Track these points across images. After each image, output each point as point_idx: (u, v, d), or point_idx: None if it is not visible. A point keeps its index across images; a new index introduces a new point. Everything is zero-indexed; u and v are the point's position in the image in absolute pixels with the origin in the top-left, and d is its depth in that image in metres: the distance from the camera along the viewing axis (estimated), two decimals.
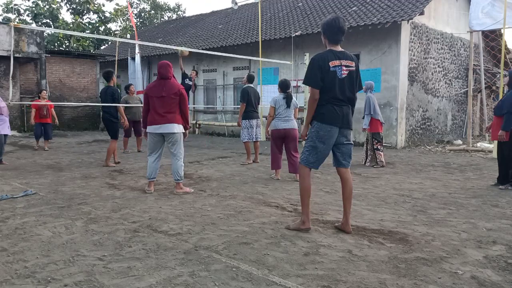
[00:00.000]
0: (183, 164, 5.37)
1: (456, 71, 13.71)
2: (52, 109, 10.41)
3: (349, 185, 3.69)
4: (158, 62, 5.56)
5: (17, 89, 15.00)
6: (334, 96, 3.54)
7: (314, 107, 3.60)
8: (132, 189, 5.54)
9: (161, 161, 5.54)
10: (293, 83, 11.19)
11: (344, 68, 3.55)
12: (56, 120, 10.49)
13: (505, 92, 6.05)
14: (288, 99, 6.28)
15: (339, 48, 3.65)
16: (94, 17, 31.95)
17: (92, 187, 5.65)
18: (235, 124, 12.65)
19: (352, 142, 3.77)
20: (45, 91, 10.54)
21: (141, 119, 9.87)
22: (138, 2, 35.80)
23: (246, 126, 7.94)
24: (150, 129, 5.25)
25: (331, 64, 3.52)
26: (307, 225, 3.69)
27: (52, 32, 29.01)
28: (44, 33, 18.93)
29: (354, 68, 3.62)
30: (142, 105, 7.41)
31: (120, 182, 6.04)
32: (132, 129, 9.79)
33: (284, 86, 6.36)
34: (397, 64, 10.95)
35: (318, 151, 3.62)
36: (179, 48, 7.65)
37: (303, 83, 3.72)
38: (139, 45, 16.34)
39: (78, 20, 29.80)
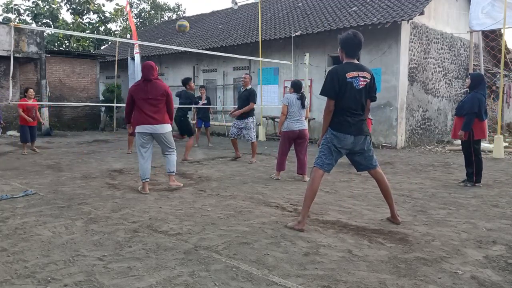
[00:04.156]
0: (175, 159, 5.62)
1: (456, 71, 13.71)
2: (38, 111, 9.71)
3: (384, 183, 3.94)
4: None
5: (17, 89, 14.99)
6: (349, 106, 3.71)
7: (329, 117, 3.78)
8: (132, 189, 5.54)
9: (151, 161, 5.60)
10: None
11: (361, 79, 3.72)
12: (41, 120, 10.21)
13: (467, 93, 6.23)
14: (302, 99, 6.25)
15: (355, 61, 3.82)
16: (94, 17, 31.96)
17: (92, 187, 5.65)
18: None
19: (371, 147, 3.95)
20: (31, 90, 9.60)
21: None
22: (138, 2, 35.80)
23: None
24: (140, 129, 5.26)
25: (348, 75, 3.69)
26: (302, 225, 3.73)
27: (52, 32, 29.00)
28: (44, 33, 18.92)
29: (369, 80, 3.79)
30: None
31: (120, 182, 6.04)
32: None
33: (297, 87, 6.32)
34: (397, 64, 10.95)
35: (333, 156, 3.79)
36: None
37: (320, 93, 3.84)
38: (139, 45, 16.33)
39: (78, 20, 29.79)
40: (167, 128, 5.35)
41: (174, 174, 5.62)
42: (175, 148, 5.58)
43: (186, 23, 6.74)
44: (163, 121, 5.27)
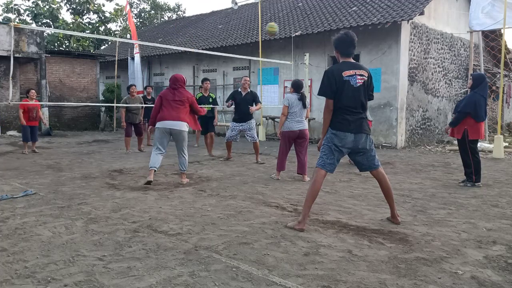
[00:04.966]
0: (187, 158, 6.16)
1: (456, 71, 13.71)
2: (40, 111, 9.76)
3: (385, 183, 3.93)
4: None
5: (17, 89, 14.99)
6: (347, 105, 3.72)
7: (329, 117, 3.80)
8: (132, 189, 5.54)
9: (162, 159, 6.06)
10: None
11: (358, 77, 3.74)
12: (44, 121, 10.16)
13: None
14: (303, 100, 6.22)
15: (351, 60, 3.85)
16: (94, 17, 31.94)
17: (92, 187, 5.65)
18: None
19: (373, 147, 3.93)
20: (33, 91, 9.70)
21: (140, 122, 9.94)
22: (138, 2, 35.80)
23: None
24: (160, 124, 5.84)
25: (344, 74, 3.71)
26: (302, 225, 3.74)
27: (52, 32, 28.98)
28: (44, 33, 18.91)
29: (367, 78, 3.80)
30: (143, 106, 9.35)
31: (120, 182, 6.04)
32: (132, 129, 9.80)
33: (297, 86, 6.29)
34: (397, 64, 10.95)
35: (334, 155, 3.79)
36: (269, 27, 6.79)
37: (318, 94, 3.89)
38: (139, 45, 16.33)
39: (78, 20, 29.78)
40: (184, 126, 5.93)
41: (185, 172, 6.10)
42: (186, 147, 6.05)
43: (272, 28, 6.38)
44: (183, 119, 5.90)
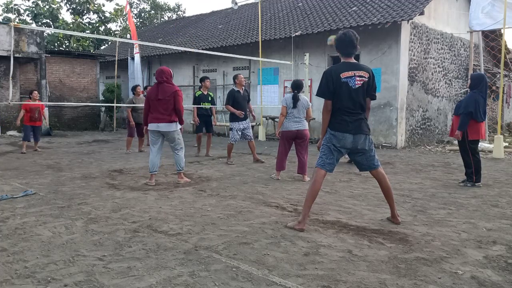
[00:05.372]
0: (183, 157, 6.02)
1: (456, 71, 13.71)
2: (43, 111, 9.95)
3: (385, 183, 3.93)
4: (159, 65, 5.91)
5: (17, 89, 14.98)
6: (346, 106, 3.72)
7: (328, 118, 3.81)
8: (132, 189, 5.54)
9: (161, 157, 6.13)
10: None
11: (357, 78, 3.72)
12: (46, 121, 10.28)
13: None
14: (294, 101, 6.17)
15: (352, 60, 3.83)
16: (94, 17, 31.95)
17: (92, 187, 5.65)
18: None
19: (373, 147, 3.91)
20: (36, 92, 9.97)
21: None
22: (138, 2, 35.80)
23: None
24: (150, 127, 5.84)
25: (343, 75, 3.70)
26: (302, 225, 3.74)
27: (52, 32, 28.98)
28: (44, 33, 18.91)
29: (367, 79, 3.77)
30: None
31: (120, 182, 6.04)
32: (135, 129, 9.82)
33: (295, 86, 6.28)
34: (397, 64, 10.94)
35: (334, 155, 3.80)
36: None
37: (316, 94, 3.91)
38: (139, 45, 16.34)
39: (78, 20, 29.78)
40: (172, 127, 5.77)
41: (182, 171, 6.05)
42: (180, 147, 5.94)
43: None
44: (169, 120, 5.72)
